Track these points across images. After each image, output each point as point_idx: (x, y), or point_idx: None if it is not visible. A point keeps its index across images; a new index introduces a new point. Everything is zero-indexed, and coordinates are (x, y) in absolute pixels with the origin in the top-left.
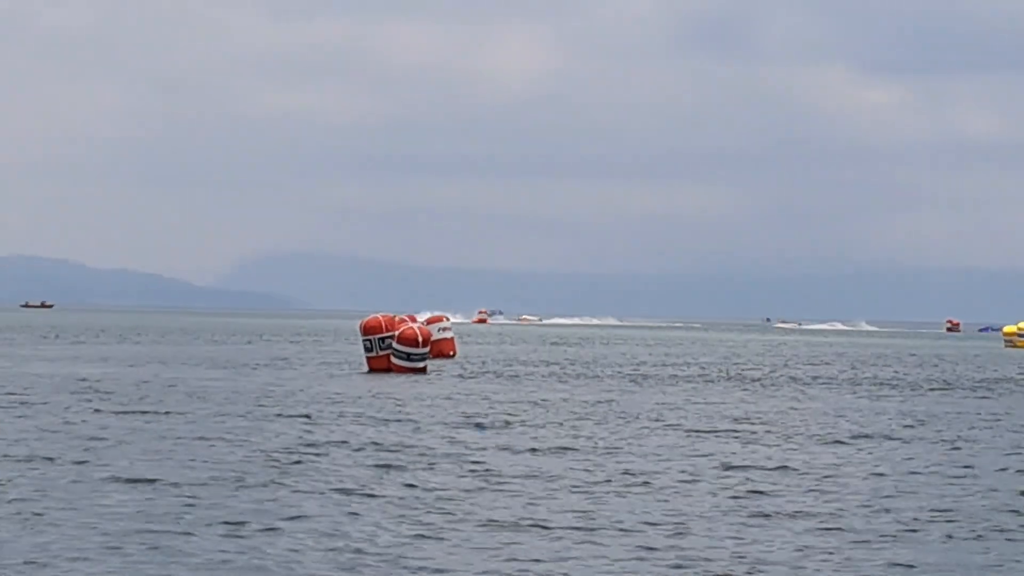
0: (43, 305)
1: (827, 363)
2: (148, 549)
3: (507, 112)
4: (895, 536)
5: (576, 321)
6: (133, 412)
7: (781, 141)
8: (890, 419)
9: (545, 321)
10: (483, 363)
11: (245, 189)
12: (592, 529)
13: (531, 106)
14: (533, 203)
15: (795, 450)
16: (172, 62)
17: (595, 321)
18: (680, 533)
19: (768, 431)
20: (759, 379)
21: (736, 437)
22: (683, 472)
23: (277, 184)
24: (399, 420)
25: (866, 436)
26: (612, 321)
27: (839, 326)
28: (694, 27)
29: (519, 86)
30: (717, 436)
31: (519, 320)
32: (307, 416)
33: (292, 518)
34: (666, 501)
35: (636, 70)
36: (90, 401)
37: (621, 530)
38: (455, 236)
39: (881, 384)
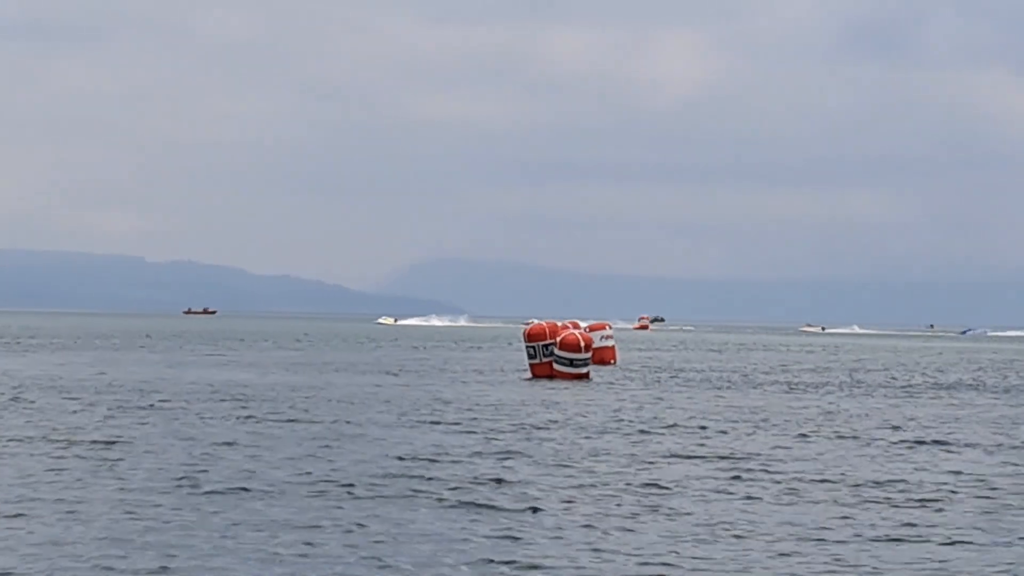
0: (205, 311)
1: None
2: (268, 555)
3: (667, 118)
4: None
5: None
6: (278, 420)
7: (944, 146)
8: None
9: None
10: (646, 370)
11: (406, 195)
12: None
13: (691, 112)
14: (694, 209)
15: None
16: (334, 69)
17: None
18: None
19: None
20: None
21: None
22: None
23: (438, 190)
24: (556, 426)
25: None
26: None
27: (857, 329)
28: (854, 31)
29: (679, 92)
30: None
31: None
32: (459, 423)
33: (415, 525)
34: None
35: (797, 75)
36: (243, 408)
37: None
38: (617, 242)
39: None
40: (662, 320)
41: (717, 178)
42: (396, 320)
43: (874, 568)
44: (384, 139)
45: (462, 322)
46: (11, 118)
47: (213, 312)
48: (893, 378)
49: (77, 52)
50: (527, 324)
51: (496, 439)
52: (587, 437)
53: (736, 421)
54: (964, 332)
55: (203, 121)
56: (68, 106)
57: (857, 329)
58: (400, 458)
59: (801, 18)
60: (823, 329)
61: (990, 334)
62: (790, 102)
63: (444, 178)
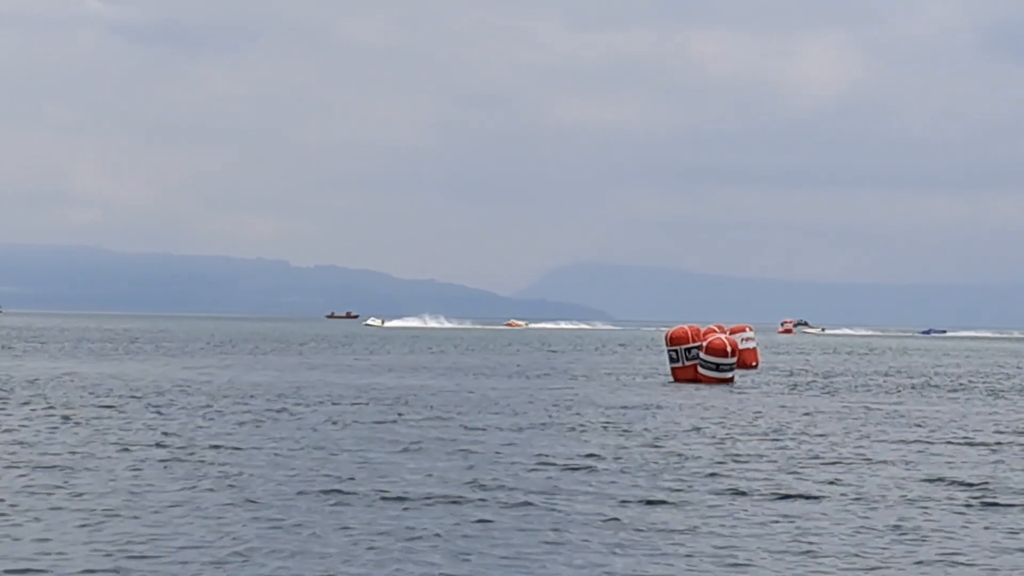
0: (348, 315)
1: None
2: (398, 559)
3: (809, 122)
4: None
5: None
6: (402, 420)
7: None
8: None
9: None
10: (790, 374)
11: (549, 199)
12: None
13: (833, 116)
14: (836, 213)
15: None
16: (476, 74)
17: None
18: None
19: None
20: None
21: None
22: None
23: (581, 194)
24: (702, 430)
25: None
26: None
27: (847, 331)
28: (998, 35)
29: (821, 96)
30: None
31: (507, 324)
32: (604, 426)
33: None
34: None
35: (939, 79)
36: (352, 410)
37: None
38: (758, 246)
39: None
40: (806, 324)
41: (860, 182)
42: (383, 322)
43: None
44: (526, 143)
45: (445, 324)
46: (156, 123)
47: (355, 316)
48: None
49: (221, 57)
50: (507, 325)
51: (676, 445)
52: (718, 443)
53: (886, 426)
54: (926, 332)
55: (346, 126)
56: (212, 111)
57: (848, 331)
58: (556, 461)
59: (944, 20)
60: (823, 330)
61: (948, 334)
62: (933, 106)
63: (586, 182)
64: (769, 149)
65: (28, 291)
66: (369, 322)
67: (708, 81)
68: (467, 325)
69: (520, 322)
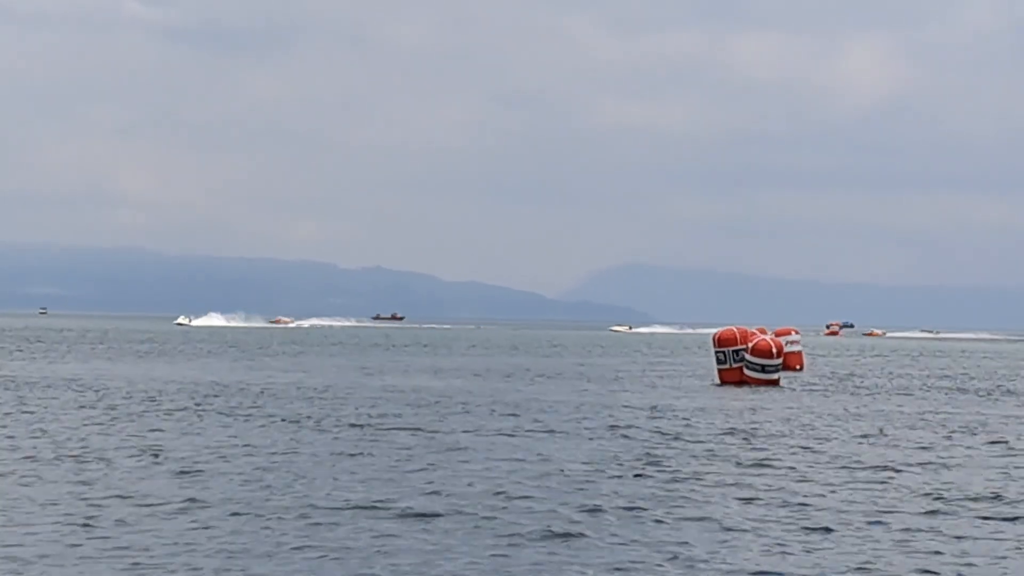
0: (394, 317)
1: None
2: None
3: (856, 124)
4: None
5: None
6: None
7: None
8: None
9: None
10: (837, 377)
11: (595, 201)
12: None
13: (878, 119)
14: (881, 216)
15: None
16: (521, 76)
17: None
18: None
19: None
20: None
21: None
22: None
23: (627, 196)
24: (753, 433)
25: None
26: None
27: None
28: None
29: (866, 98)
30: None
31: (274, 322)
32: (661, 430)
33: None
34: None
35: (982, 81)
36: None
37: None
38: (802, 248)
39: None
40: (851, 326)
41: (905, 185)
42: (191, 320)
43: None
44: (572, 145)
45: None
46: (200, 125)
47: (401, 318)
48: None
49: (265, 60)
50: (274, 322)
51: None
52: (766, 446)
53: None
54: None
55: (391, 127)
56: (257, 113)
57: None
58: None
59: (986, 25)
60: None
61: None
62: (977, 108)
63: (632, 184)
64: (814, 151)
65: (71, 293)
66: (179, 321)
67: (752, 83)
68: (254, 324)
69: (287, 319)
